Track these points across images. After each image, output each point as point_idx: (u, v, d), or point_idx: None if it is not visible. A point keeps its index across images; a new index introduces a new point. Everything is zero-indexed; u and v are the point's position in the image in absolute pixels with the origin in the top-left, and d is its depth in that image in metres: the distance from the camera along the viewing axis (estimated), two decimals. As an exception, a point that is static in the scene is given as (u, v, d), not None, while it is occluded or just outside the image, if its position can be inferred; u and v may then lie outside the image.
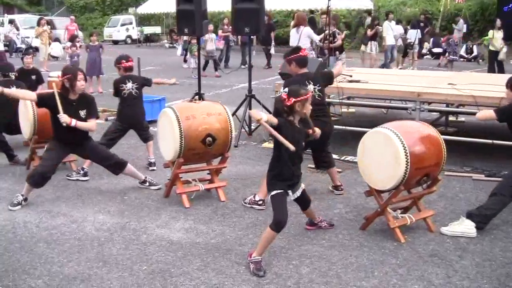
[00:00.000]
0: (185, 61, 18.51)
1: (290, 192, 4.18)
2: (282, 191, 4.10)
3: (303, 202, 4.49)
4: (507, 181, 4.78)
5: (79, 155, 5.98)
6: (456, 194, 5.75)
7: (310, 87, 5.35)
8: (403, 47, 17.05)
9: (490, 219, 4.72)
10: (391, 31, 15.89)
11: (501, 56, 15.02)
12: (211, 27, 17.39)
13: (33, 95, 5.48)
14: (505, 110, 4.98)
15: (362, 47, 16.22)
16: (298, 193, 4.29)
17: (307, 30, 11.60)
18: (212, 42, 16.59)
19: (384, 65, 15.52)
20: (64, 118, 5.24)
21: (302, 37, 11.38)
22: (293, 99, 4.01)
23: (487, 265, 4.16)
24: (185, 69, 17.85)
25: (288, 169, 4.10)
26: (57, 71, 11.16)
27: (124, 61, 6.57)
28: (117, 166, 5.74)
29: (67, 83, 5.36)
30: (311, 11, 20.49)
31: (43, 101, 5.40)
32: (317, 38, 11.80)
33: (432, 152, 4.59)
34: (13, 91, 5.64)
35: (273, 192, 4.10)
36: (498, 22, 15.17)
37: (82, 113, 5.45)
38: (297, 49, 5.64)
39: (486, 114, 5.09)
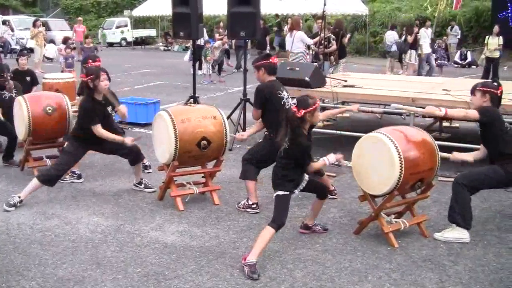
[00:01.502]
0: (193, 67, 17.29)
1: (296, 191, 4.33)
2: (288, 193, 4.21)
3: (316, 188, 4.60)
4: (475, 172, 4.79)
5: (98, 150, 5.90)
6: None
7: (285, 94, 5.39)
8: (398, 53, 17.04)
9: (471, 214, 4.72)
10: (428, 39, 15.43)
11: (479, 62, 14.91)
12: (218, 36, 17.43)
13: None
14: (489, 111, 4.74)
15: (403, 56, 15.46)
16: (302, 186, 4.39)
17: (299, 34, 11.63)
18: (219, 50, 16.45)
19: (420, 75, 14.83)
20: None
21: (295, 41, 11.41)
22: (303, 111, 4.08)
23: (480, 270, 4.18)
24: (190, 74, 17.38)
25: (297, 173, 4.27)
26: (51, 72, 11.17)
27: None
28: (135, 157, 5.81)
29: (91, 83, 5.40)
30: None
31: None
32: (310, 41, 11.80)
33: (426, 158, 4.61)
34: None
35: (280, 193, 4.19)
36: (496, 28, 15.13)
37: (109, 109, 5.71)
38: (267, 56, 5.64)
39: (461, 112, 4.78)
